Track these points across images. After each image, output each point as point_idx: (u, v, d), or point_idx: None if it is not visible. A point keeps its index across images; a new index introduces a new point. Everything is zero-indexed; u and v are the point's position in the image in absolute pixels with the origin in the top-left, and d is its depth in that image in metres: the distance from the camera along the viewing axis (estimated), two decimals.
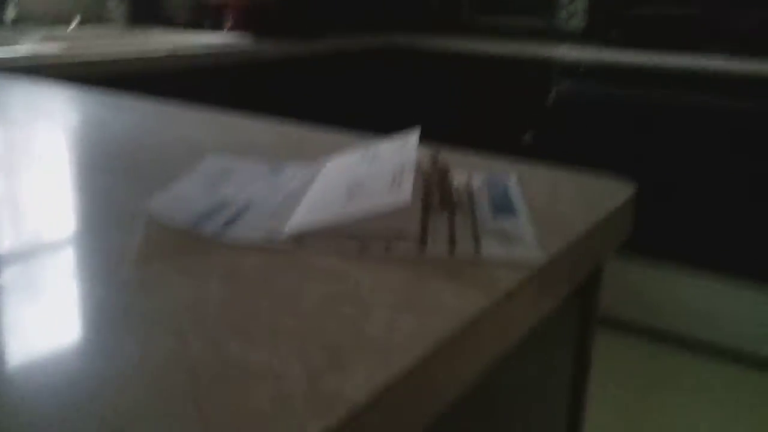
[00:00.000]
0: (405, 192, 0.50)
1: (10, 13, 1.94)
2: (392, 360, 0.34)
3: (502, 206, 0.59)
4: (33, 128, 0.84)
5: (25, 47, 1.71)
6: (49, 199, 0.58)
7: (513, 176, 0.67)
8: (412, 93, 2.60)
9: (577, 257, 0.54)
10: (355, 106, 2.46)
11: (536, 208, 0.59)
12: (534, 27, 2.63)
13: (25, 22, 2.00)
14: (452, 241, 0.51)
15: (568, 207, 0.60)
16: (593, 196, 0.63)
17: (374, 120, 2.54)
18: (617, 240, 0.63)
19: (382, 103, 2.58)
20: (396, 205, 0.49)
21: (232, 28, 2.16)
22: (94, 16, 2.19)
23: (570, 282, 0.54)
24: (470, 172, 0.69)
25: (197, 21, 2.24)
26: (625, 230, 0.64)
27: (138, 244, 0.48)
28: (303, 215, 0.53)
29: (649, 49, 2.16)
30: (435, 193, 0.58)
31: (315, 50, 2.21)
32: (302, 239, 0.50)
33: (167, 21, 2.28)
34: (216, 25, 2.19)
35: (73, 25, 2.09)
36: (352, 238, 0.50)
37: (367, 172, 0.59)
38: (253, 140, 0.81)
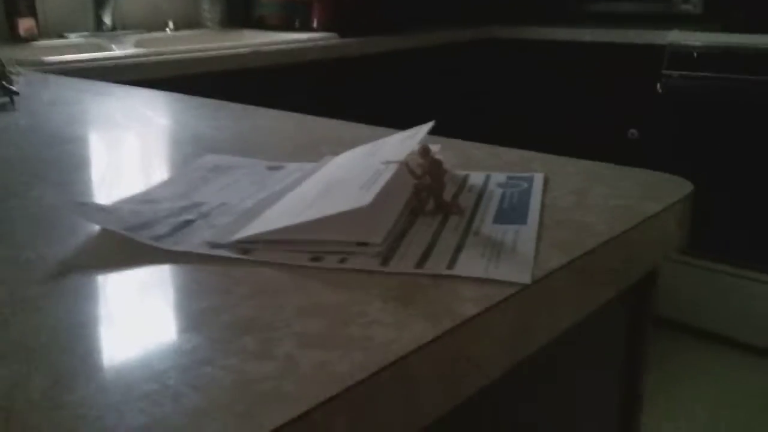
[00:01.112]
0: (367, 197, 0.41)
1: (107, 19, 2.01)
2: (261, 415, 0.26)
3: (511, 212, 0.49)
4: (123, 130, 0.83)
5: (120, 51, 1.77)
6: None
7: (539, 175, 0.57)
8: (511, 86, 2.47)
9: (594, 272, 0.44)
10: (451, 102, 2.36)
11: (562, 213, 0.49)
12: (648, 12, 2.42)
13: (122, 28, 2.07)
14: (427, 253, 0.42)
15: (600, 212, 0.49)
16: (636, 199, 0.51)
17: (469, 116, 2.43)
18: (661, 249, 0.51)
19: (479, 98, 2.47)
20: (354, 212, 0.41)
21: (320, 28, 2.13)
22: (188, 21, 2.23)
23: (583, 303, 0.44)
24: (491, 171, 0.59)
25: (287, 22, 2.24)
26: (675, 238, 0.52)
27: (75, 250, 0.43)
28: (260, 221, 0.46)
29: None
30: (427, 194, 0.49)
31: (405, 46, 2.14)
32: (250, 248, 0.43)
33: (259, 23, 2.29)
34: (305, 26, 2.17)
35: (168, 29, 2.14)
36: (307, 248, 0.42)
37: (351, 172, 0.51)
38: (289, 136, 0.75)
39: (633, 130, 2.16)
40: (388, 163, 0.48)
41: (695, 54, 1.99)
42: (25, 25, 1.89)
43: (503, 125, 2.49)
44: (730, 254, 2.04)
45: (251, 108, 0.92)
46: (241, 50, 1.75)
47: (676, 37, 2.03)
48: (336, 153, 0.63)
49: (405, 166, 0.48)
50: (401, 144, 0.55)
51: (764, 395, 1.89)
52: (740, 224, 2.02)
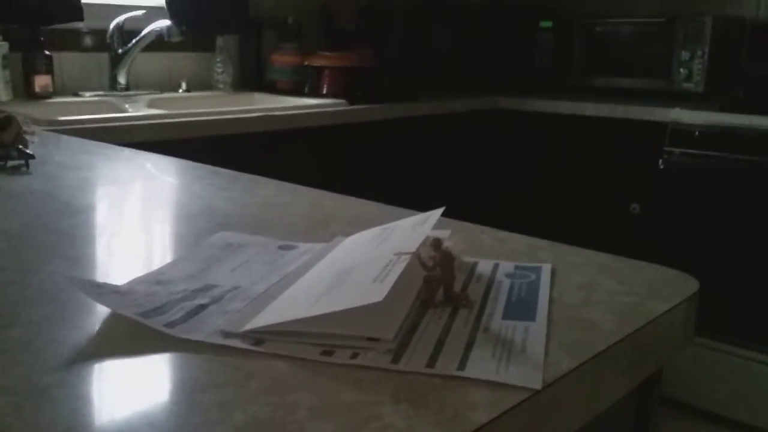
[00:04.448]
0: (380, 292, 0.42)
1: (122, 79, 2.06)
2: None
3: (520, 306, 0.50)
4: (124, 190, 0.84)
5: (132, 113, 1.80)
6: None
7: (547, 266, 0.58)
8: (513, 157, 2.51)
9: (603, 374, 0.44)
10: (453, 170, 2.39)
11: (570, 309, 0.49)
12: (650, 88, 2.47)
13: (135, 88, 2.11)
14: (438, 350, 0.42)
15: (607, 310, 0.50)
16: (643, 297, 0.52)
17: (471, 185, 2.46)
18: (668, 348, 0.51)
19: (480, 167, 2.50)
20: (367, 306, 0.41)
21: (329, 94, 2.18)
22: (200, 83, 2.29)
23: (591, 405, 0.44)
24: (499, 259, 0.60)
25: (297, 88, 2.29)
26: (681, 337, 0.52)
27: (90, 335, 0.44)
28: (272, 310, 0.46)
29: None
30: (437, 286, 0.50)
31: (410, 113, 2.18)
32: (262, 339, 0.43)
33: (270, 87, 2.34)
34: (315, 92, 2.22)
35: (180, 91, 2.19)
36: (319, 341, 0.43)
37: (362, 260, 0.51)
38: (300, 213, 0.77)
39: (635, 205, 2.18)
40: (400, 254, 0.49)
41: (697, 132, 2.02)
42: (41, 82, 1.93)
43: (505, 194, 2.52)
44: (730, 332, 2.03)
45: (263, 180, 0.94)
46: (253, 114, 1.79)
47: (678, 115, 2.07)
48: (347, 233, 0.64)
49: (417, 258, 0.49)
50: (413, 231, 0.56)
51: None
52: (739, 302, 2.01)
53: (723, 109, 2.05)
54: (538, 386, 0.38)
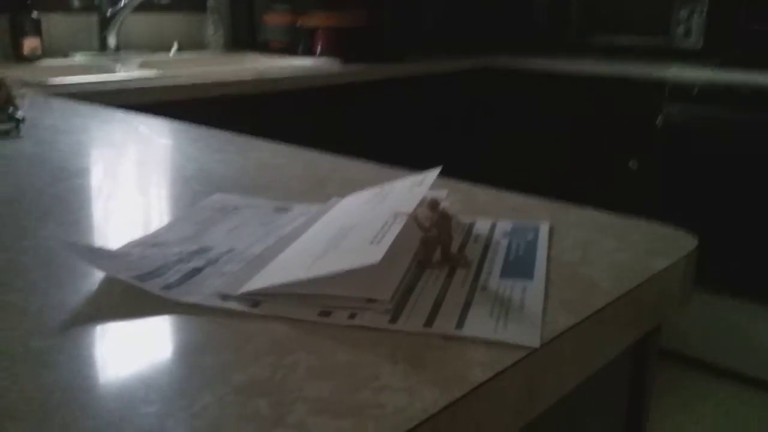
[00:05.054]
0: (377, 254, 0.42)
1: (112, 40, 2.03)
2: None
3: (518, 265, 0.49)
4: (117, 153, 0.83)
5: (124, 74, 1.78)
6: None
7: (545, 225, 0.57)
8: (510, 116, 2.49)
9: (600, 332, 0.44)
10: (448, 130, 2.37)
11: (568, 267, 0.49)
12: (648, 46, 2.44)
13: (126, 48, 2.08)
14: (435, 310, 0.42)
15: (605, 268, 0.49)
16: (641, 254, 0.52)
17: (467, 145, 2.45)
18: (666, 305, 0.51)
19: (477, 127, 2.49)
20: (363, 267, 0.41)
21: (323, 54, 2.15)
22: (192, 43, 2.25)
23: (589, 362, 0.44)
24: (497, 218, 0.60)
25: (291, 47, 2.25)
26: (679, 294, 0.52)
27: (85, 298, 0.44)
28: (269, 271, 0.46)
29: None
30: (434, 246, 0.49)
31: (405, 73, 2.15)
32: (259, 300, 0.43)
33: (263, 46, 2.31)
34: (309, 50, 2.19)
35: (172, 52, 2.15)
36: (316, 302, 0.43)
37: (359, 221, 0.51)
38: (295, 175, 0.76)
39: (633, 161, 2.18)
40: (397, 215, 0.48)
41: (695, 89, 2.01)
42: (30, 44, 1.90)
43: (502, 153, 2.50)
44: (729, 286, 2.05)
45: (257, 142, 0.93)
46: (246, 75, 1.76)
47: (676, 72, 2.05)
48: (342, 194, 0.64)
49: (414, 218, 0.48)
50: (409, 192, 0.55)
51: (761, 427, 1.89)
52: (737, 257, 2.02)
53: (722, 66, 2.03)
54: (537, 344, 0.38)
